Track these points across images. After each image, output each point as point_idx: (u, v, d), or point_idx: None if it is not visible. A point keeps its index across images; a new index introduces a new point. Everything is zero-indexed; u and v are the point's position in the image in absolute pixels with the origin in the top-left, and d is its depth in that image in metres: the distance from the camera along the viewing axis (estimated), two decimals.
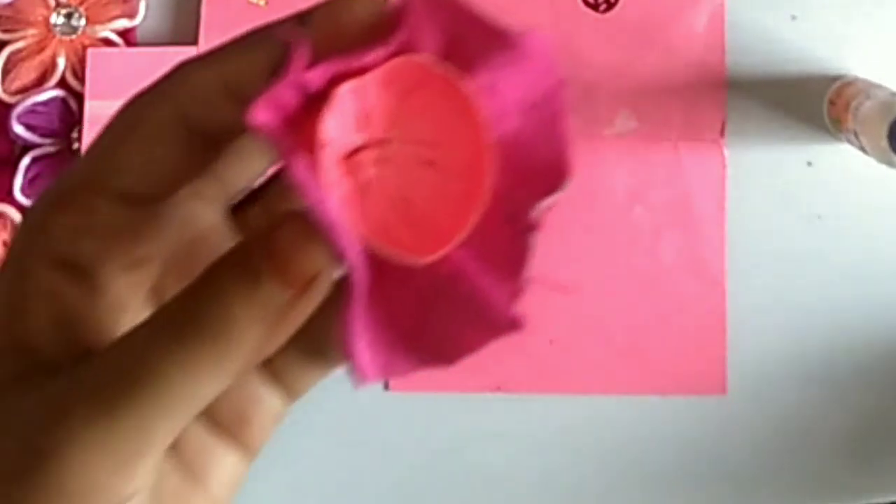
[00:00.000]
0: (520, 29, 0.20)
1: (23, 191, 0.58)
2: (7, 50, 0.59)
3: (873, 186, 0.57)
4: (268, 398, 0.24)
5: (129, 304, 0.23)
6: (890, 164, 0.49)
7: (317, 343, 0.22)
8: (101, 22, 0.60)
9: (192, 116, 0.21)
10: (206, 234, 0.24)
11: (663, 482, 0.57)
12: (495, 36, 0.20)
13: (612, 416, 0.57)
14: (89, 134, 0.58)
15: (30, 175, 0.58)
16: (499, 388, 0.57)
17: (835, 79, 0.57)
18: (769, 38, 0.57)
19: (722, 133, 0.57)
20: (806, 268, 0.57)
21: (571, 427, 0.57)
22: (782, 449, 0.56)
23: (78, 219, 0.22)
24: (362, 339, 0.20)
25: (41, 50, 0.59)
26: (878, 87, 0.53)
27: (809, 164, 0.57)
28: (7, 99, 0.59)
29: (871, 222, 0.57)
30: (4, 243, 0.58)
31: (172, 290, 0.23)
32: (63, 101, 0.59)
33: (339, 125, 0.20)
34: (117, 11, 0.60)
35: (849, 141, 0.54)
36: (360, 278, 0.19)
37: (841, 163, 0.57)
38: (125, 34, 0.60)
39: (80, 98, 0.59)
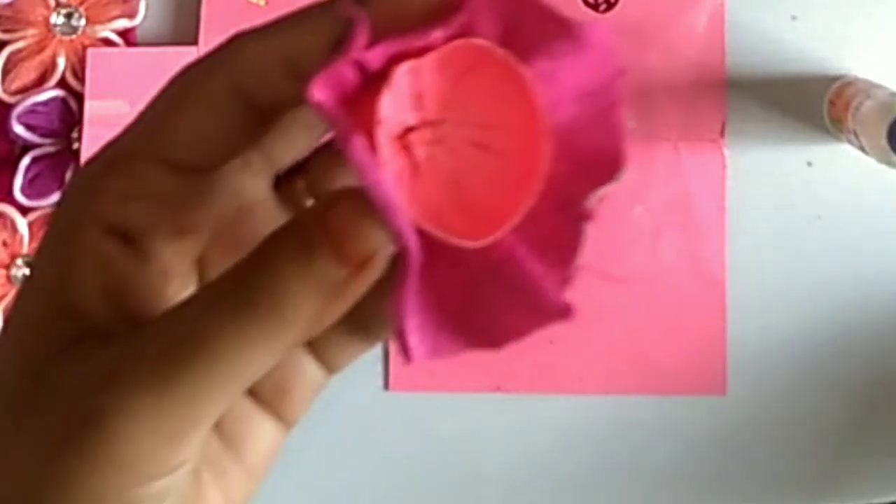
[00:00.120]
0: (580, 19, 0.20)
1: (23, 191, 0.58)
2: (7, 50, 0.59)
3: (873, 186, 0.57)
4: (308, 370, 0.25)
5: (175, 274, 0.23)
6: (890, 164, 0.49)
7: (361, 318, 0.22)
8: (101, 22, 0.60)
9: (246, 89, 0.21)
10: (252, 207, 0.24)
11: (663, 482, 0.57)
12: (556, 24, 0.20)
13: (612, 416, 0.57)
14: (89, 134, 0.58)
15: (30, 175, 0.58)
16: (499, 388, 0.57)
17: (835, 79, 0.57)
18: (769, 38, 0.57)
19: (722, 133, 0.57)
20: (806, 268, 0.57)
21: (571, 427, 0.57)
22: (782, 449, 0.56)
23: (128, 184, 0.22)
24: (412, 320, 0.20)
25: (41, 50, 0.59)
26: (878, 87, 0.53)
27: (809, 164, 0.57)
28: (7, 99, 0.59)
29: (871, 222, 0.57)
30: (4, 243, 0.58)
31: (217, 261, 0.24)
32: (63, 101, 0.59)
33: (394, 104, 0.20)
34: (117, 11, 0.60)
35: (849, 141, 0.54)
36: (414, 259, 0.19)
37: (841, 163, 0.57)
38: (125, 34, 0.60)
39: (80, 98, 0.59)
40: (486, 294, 0.21)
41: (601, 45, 0.21)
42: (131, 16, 0.60)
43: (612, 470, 0.57)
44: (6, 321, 0.22)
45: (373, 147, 0.19)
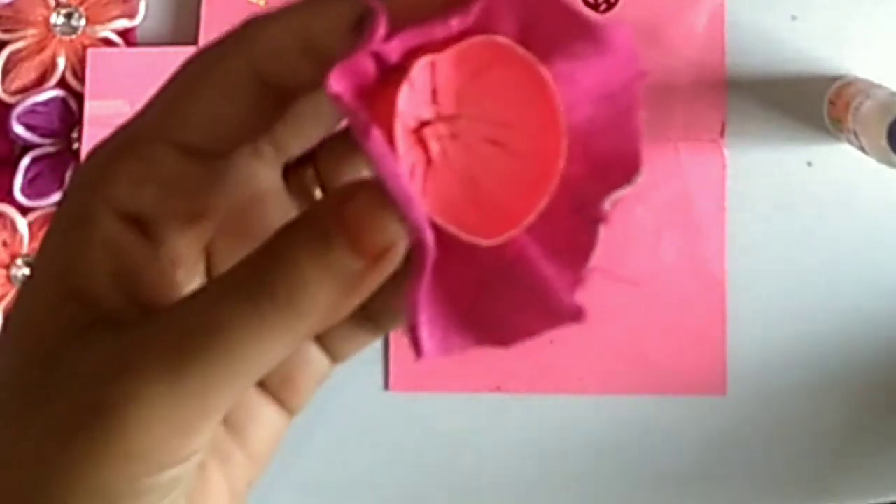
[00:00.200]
0: (603, 20, 0.20)
1: (23, 191, 0.58)
2: (7, 50, 0.59)
3: (873, 186, 0.57)
4: (314, 360, 0.24)
5: (184, 261, 0.23)
6: (890, 164, 0.49)
7: (370, 310, 0.22)
8: (101, 22, 0.60)
9: (263, 71, 0.21)
10: (262, 196, 0.24)
11: (663, 482, 0.57)
12: (578, 24, 0.20)
13: (612, 416, 0.57)
14: (89, 134, 0.58)
15: (30, 175, 0.58)
16: (499, 388, 0.57)
17: (835, 79, 0.57)
18: (769, 38, 0.57)
19: (722, 133, 0.57)
20: (806, 268, 0.57)
21: (572, 427, 0.57)
22: (782, 449, 0.56)
23: (141, 168, 0.21)
24: (424, 315, 0.20)
25: (41, 50, 0.59)
26: (878, 87, 0.53)
27: (809, 164, 0.57)
28: (7, 99, 0.59)
29: (871, 222, 0.57)
30: (4, 243, 0.58)
31: (225, 250, 0.24)
32: (63, 101, 0.59)
33: (410, 98, 0.20)
34: (117, 11, 0.60)
35: (849, 141, 0.54)
36: (429, 253, 0.19)
37: (841, 163, 0.57)
38: (125, 34, 0.60)
39: (80, 98, 0.59)
40: (498, 292, 0.21)
41: (623, 48, 0.21)
42: (131, 16, 0.60)
43: (611, 470, 0.57)
44: (14, 308, 0.22)
45: (390, 140, 0.19)
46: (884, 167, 0.50)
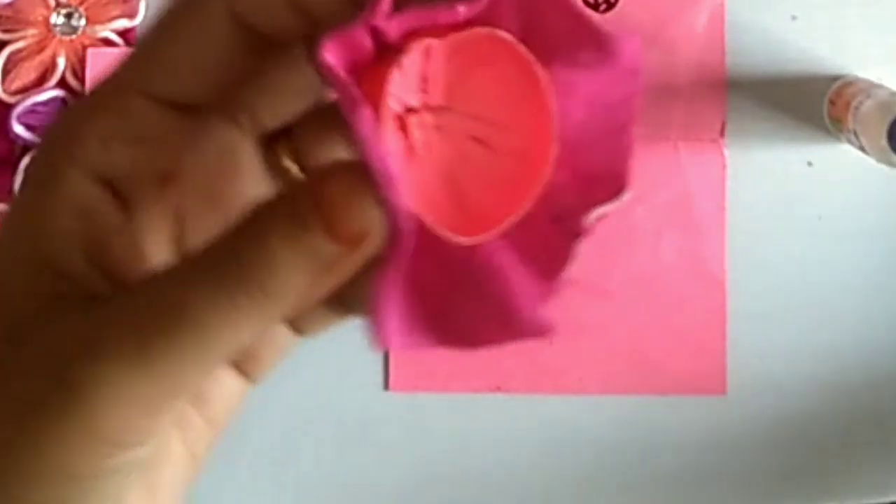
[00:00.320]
0: (611, 29, 0.19)
1: None
2: (7, 50, 0.59)
3: (873, 186, 0.57)
4: (279, 336, 0.24)
5: (155, 228, 0.22)
6: (890, 164, 0.49)
7: (341, 293, 0.21)
8: (101, 22, 0.60)
9: (245, 15, 0.20)
10: (237, 165, 0.23)
11: (663, 482, 0.57)
12: (586, 31, 0.20)
13: (612, 416, 0.57)
14: None
15: None
16: (499, 388, 0.57)
17: (835, 79, 0.57)
18: (769, 38, 0.57)
19: (722, 133, 0.57)
20: (806, 268, 0.57)
21: (572, 427, 0.57)
22: (782, 449, 0.56)
23: (115, 124, 0.21)
24: (390, 304, 0.19)
25: (41, 50, 0.59)
26: (878, 87, 0.53)
27: (809, 164, 0.57)
28: (7, 99, 0.59)
29: (871, 222, 0.57)
30: None
31: (198, 218, 0.23)
32: (63, 101, 0.59)
33: (401, 81, 0.19)
34: (117, 11, 0.60)
35: (849, 141, 0.54)
36: (405, 242, 0.18)
37: (841, 163, 0.57)
38: (125, 34, 0.60)
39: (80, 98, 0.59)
40: (464, 295, 0.20)
41: (628, 61, 0.20)
42: (131, 16, 0.60)
43: (611, 470, 0.57)
44: None
45: (377, 120, 0.18)
46: (884, 167, 0.50)
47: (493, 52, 0.19)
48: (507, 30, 0.20)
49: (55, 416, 0.18)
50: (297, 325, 0.24)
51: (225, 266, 0.19)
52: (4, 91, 0.59)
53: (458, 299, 0.20)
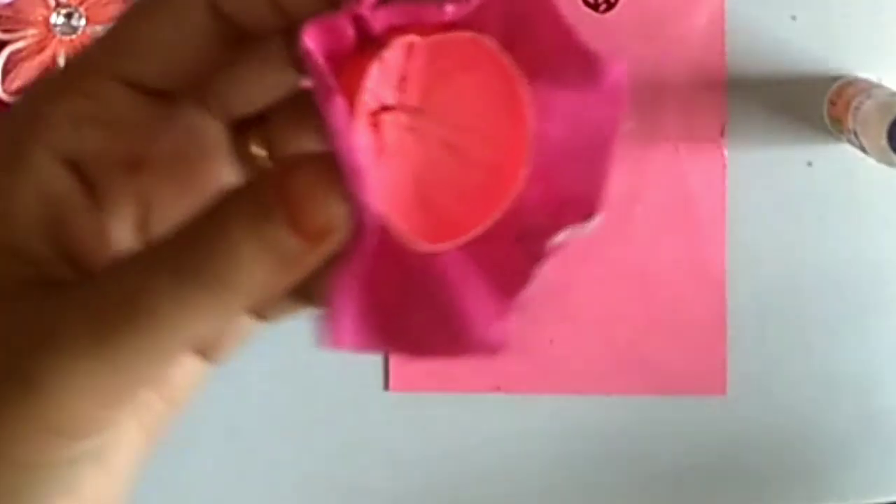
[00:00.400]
0: (600, 51, 0.19)
1: None
2: (7, 50, 0.59)
3: (873, 186, 0.57)
4: (240, 320, 0.23)
5: (121, 213, 0.22)
6: (890, 164, 0.49)
7: (304, 284, 0.21)
8: (101, 22, 0.59)
9: (224, 8, 0.20)
10: (207, 151, 0.23)
11: (663, 482, 0.57)
12: (575, 51, 0.19)
13: (612, 416, 0.57)
14: None
15: None
16: (499, 388, 0.57)
17: (835, 79, 0.57)
18: (769, 38, 0.57)
19: (722, 133, 0.57)
20: (806, 268, 0.57)
21: (571, 427, 0.57)
22: (782, 449, 0.56)
23: (84, 105, 0.20)
24: (345, 302, 0.19)
25: (41, 50, 0.59)
26: (878, 87, 0.53)
27: (809, 164, 0.57)
28: (7, 99, 0.59)
29: (871, 222, 0.57)
30: None
31: (165, 205, 0.22)
32: None
33: (380, 77, 0.19)
34: (117, 11, 0.60)
35: (849, 141, 0.54)
36: (367, 242, 0.18)
37: (841, 163, 0.57)
38: None
39: None
40: (418, 303, 0.20)
41: (614, 85, 0.19)
42: None
43: (611, 470, 0.57)
44: None
45: (351, 113, 0.18)
46: (884, 167, 0.50)
47: (475, 59, 0.19)
48: (494, 37, 0.19)
49: (9, 408, 0.18)
50: (260, 311, 0.24)
51: (185, 256, 0.18)
52: (4, 91, 0.59)
53: (412, 306, 0.20)
